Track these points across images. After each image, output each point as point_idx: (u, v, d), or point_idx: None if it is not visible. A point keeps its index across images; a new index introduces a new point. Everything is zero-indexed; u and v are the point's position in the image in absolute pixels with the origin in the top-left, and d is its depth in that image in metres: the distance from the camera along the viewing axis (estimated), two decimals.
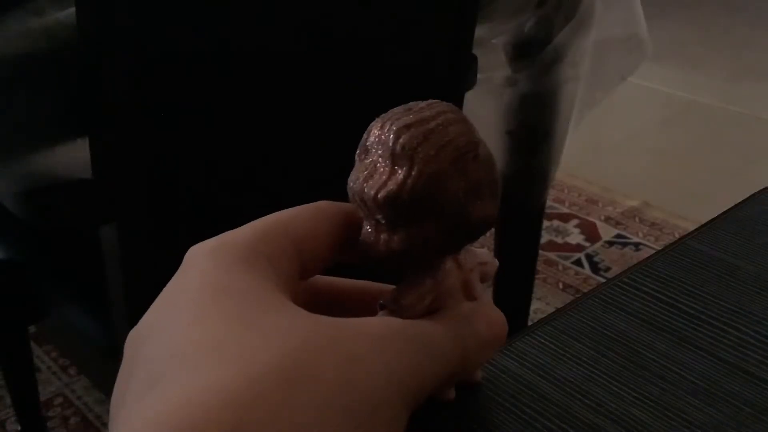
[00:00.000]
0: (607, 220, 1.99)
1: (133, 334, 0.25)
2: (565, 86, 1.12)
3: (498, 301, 1.35)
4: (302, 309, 0.25)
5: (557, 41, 1.08)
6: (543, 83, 1.11)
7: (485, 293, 0.31)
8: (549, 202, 1.92)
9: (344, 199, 0.29)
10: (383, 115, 0.28)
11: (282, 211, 0.28)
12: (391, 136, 0.27)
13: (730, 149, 2.29)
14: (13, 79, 0.67)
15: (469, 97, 0.97)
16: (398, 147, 0.27)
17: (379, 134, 0.28)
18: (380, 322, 0.26)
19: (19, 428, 1.15)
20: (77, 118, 0.69)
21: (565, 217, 2.00)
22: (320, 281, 0.31)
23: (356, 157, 0.29)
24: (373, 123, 0.29)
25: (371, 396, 0.23)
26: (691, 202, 2.02)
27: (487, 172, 0.28)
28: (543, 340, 0.36)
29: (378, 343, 0.24)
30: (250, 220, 0.28)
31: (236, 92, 0.76)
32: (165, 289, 0.26)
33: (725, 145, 2.32)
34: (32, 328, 1.09)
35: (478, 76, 1.00)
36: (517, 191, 1.18)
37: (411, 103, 0.29)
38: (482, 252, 0.31)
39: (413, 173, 0.27)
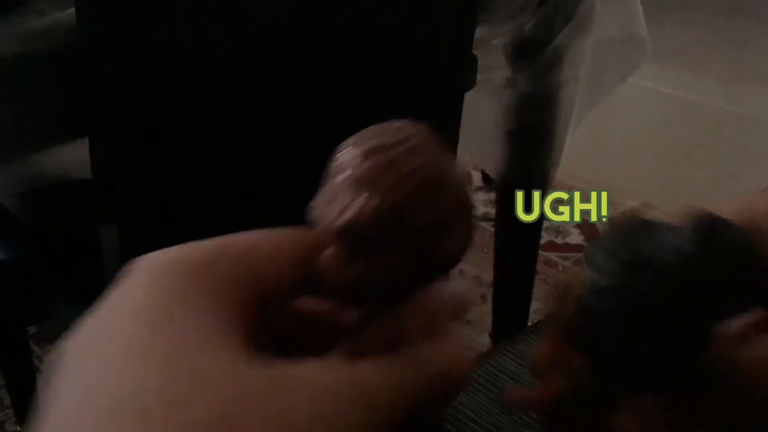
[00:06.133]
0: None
1: (68, 344, 0.24)
2: (564, 87, 1.12)
3: (498, 301, 1.35)
4: (243, 351, 0.23)
5: (557, 42, 1.08)
6: (543, 84, 1.11)
7: (453, 330, 0.27)
8: None
9: None
10: (357, 134, 0.26)
11: (246, 234, 0.27)
12: (356, 160, 0.25)
13: (731, 150, 2.29)
14: (13, 79, 0.67)
15: (469, 97, 0.97)
16: (360, 173, 0.25)
17: (345, 157, 0.26)
18: (322, 374, 0.23)
19: (18, 429, 1.15)
20: (77, 118, 0.69)
21: None
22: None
23: (325, 178, 0.26)
24: (344, 143, 0.26)
25: None
26: (692, 203, 2.01)
27: (458, 202, 0.26)
28: None
29: (313, 405, 0.23)
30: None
31: (236, 92, 0.76)
32: (106, 299, 0.25)
33: (726, 146, 2.32)
34: (32, 329, 1.09)
35: (478, 76, 1.00)
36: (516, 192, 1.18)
37: (386, 123, 0.26)
38: (453, 285, 0.28)
39: (373, 202, 0.24)
